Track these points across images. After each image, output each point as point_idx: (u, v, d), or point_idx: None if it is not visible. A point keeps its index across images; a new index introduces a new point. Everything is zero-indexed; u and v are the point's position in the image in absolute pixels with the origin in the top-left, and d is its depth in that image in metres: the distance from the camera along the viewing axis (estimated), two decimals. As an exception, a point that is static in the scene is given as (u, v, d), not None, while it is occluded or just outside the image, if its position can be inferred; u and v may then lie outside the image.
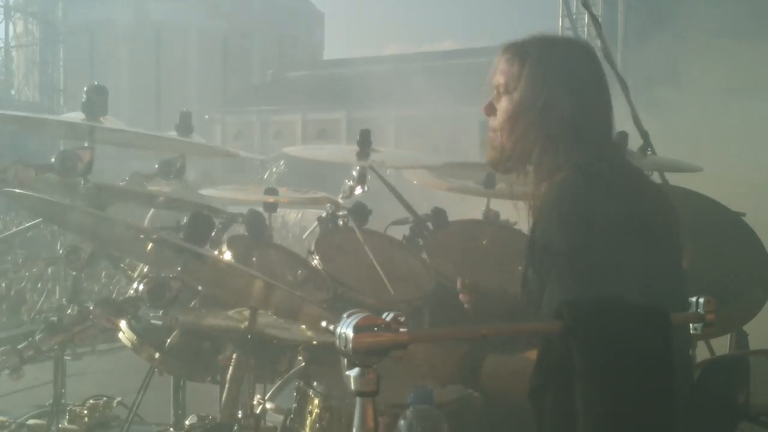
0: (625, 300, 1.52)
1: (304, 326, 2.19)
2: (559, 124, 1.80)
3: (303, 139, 35.56)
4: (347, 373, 1.20)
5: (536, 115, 1.82)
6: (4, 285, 9.95)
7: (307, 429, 2.14)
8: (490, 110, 1.92)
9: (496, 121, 1.91)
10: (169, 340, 2.36)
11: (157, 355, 2.42)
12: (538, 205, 1.80)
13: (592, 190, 1.71)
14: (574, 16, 13.39)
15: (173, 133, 2.94)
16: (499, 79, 1.90)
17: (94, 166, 2.20)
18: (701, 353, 1.90)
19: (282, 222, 14.82)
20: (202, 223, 2.35)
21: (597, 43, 3.61)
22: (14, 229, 4.24)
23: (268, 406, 2.75)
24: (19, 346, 2.11)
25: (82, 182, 2.27)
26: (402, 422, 1.42)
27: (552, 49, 1.86)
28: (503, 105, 1.89)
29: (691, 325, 1.44)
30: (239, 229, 2.95)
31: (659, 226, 1.74)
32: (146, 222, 3.23)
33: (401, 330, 1.19)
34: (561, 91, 1.80)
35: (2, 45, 32.98)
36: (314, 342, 2.20)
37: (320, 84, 35.00)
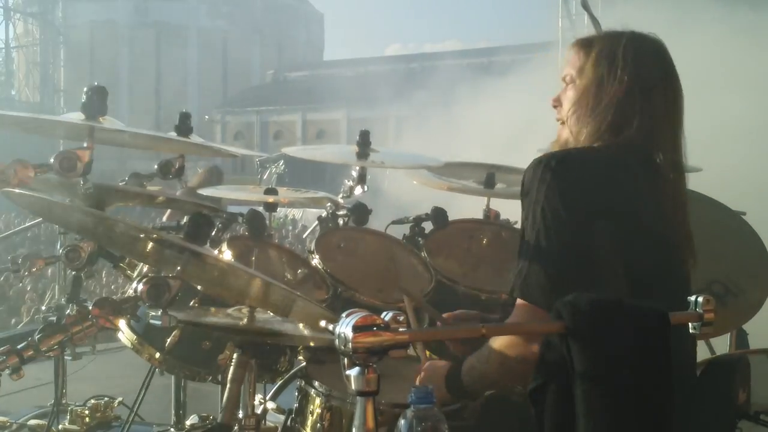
0: (625, 300, 1.52)
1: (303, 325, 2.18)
2: (609, 113, 1.82)
3: (303, 139, 35.58)
4: (347, 372, 1.20)
5: (599, 99, 1.83)
6: (3, 285, 9.98)
7: (309, 429, 2.14)
8: (557, 102, 1.96)
9: (562, 111, 1.94)
10: (168, 340, 2.36)
11: (157, 355, 2.42)
12: None
13: (562, 181, 1.73)
14: (574, 17, 13.38)
15: (173, 134, 2.94)
16: (567, 70, 1.93)
17: (93, 167, 2.20)
18: (701, 353, 1.90)
19: (289, 221, 14.90)
20: (202, 223, 2.35)
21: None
22: (14, 229, 4.24)
23: (270, 405, 2.76)
24: (18, 346, 2.11)
25: (82, 182, 2.27)
26: (402, 422, 1.41)
27: (617, 41, 1.87)
28: (569, 95, 1.92)
29: (690, 324, 1.44)
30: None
31: (638, 223, 1.74)
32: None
33: (400, 329, 1.19)
34: (617, 82, 1.81)
35: (2, 45, 33.02)
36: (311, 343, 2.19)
37: (320, 84, 35.00)
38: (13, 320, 8.77)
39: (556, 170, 1.71)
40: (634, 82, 1.81)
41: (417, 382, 1.93)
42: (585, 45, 1.91)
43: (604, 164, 1.77)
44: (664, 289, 1.70)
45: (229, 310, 2.14)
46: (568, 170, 1.73)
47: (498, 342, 1.77)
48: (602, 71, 1.83)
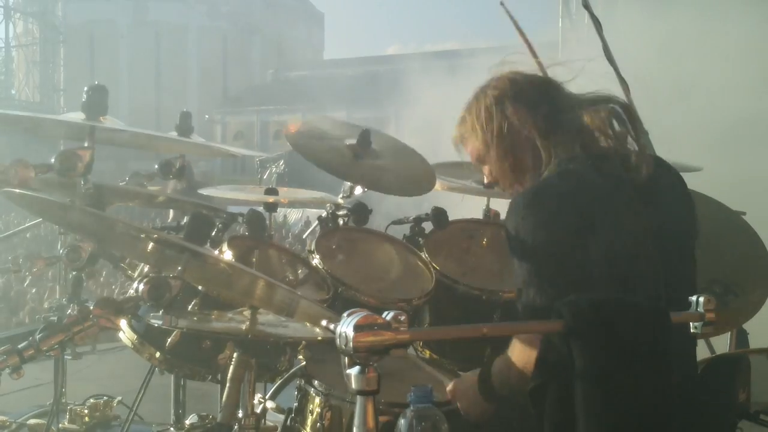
0: (625, 300, 1.52)
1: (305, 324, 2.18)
2: (504, 151, 1.90)
3: (303, 139, 35.48)
4: (347, 371, 1.20)
5: (493, 151, 1.92)
6: (3, 285, 9.98)
7: (308, 428, 2.14)
8: (485, 175, 2.03)
9: (491, 175, 1.99)
10: (169, 340, 2.36)
11: (157, 354, 2.42)
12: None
13: (531, 202, 1.74)
14: (574, 17, 13.36)
15: (173, 133, 2.94)
16: (467, 149, 2.01)
17: (94, 167, 2.20)
18: (701, 352, 1.90)
19: (283, 222, 14.88)
20: (203, 223, 2.35)
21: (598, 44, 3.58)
22: (14, 230, 4.25)
23: (269, 405, 2.76)
24: (19, 346, 2.11)
25: (82, 182, 2.27)
26: (402, 421, 1.42)
27: (477, 96, 1.95)
28: (484, 161, 1.98)
29: (691, 324, 1.44)
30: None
31: (634, 231, 1.71)
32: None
33: (401, 329, 1.19)
34: (498, 118, 1.88)
35: (2, 45, 33.01)
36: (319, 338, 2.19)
37: (320, 84, 34.96)
38: (14, 320, 8.76)
39: (529, 206, 1.72)
40: (508, 114, 1.86)
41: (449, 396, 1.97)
42: (459, 122, 1.99)
43: (576, 187, 1.75)
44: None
45: (230, 314, 2.15)
46: (542, 202, 1.73)
47: (516, 350, 1.77)
48: (480, 128, 1.90)
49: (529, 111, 1.86)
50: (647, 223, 1.73)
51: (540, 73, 2.05)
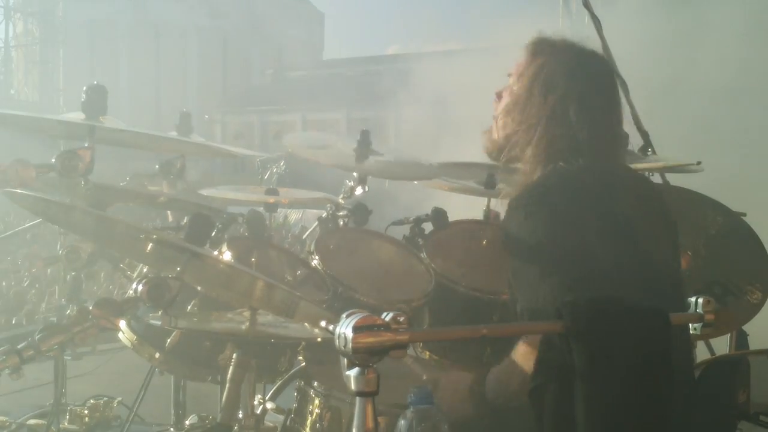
0: (625, 300, 1.52)
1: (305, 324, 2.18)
2: (546, 127, 1.81)
3: (303, 139, 35.51)
4: (347, 372, 1.20)
5: (524, 114, 1.83)
6: (4, 285, 9.97)
7: (308, 429, 2.14)
8: (499, 96, 1.94)
9: (497, 108, 1.92)
10: (169, 340, 2.36)
11: (157, 354, 2.42)
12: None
13: (555, 193, 1.71)
14: (574, 16, 13.35)
15: (173, 133, 2.94)
16: (512, 69, 1.91)
17: (94, 167, 2.20)
18: (701, 353, 1.90)
19: (283, 222, 14.81)
20: (203, 224, 2.35)
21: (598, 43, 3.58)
22: (14, 230, 4.25)
23: (269, 406, 2.76)
24: (18, 346, 2.11)
25: (83, 182, 2.27)
26: (402, 422, 1.42)
27: (561, 54, 1.85)
28: (505, 95, 1.90)
29: (690, 325, 1.44)
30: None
31: (630, 228, 1.71)
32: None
33: (401, 330, 1.19)
34: (553, 97, 1.80)
35: (2, 45, 33.01)
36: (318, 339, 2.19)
37: (320, 84, 34.98)
38: (14, 320, 8.75)
39: (534, 204, 1.69)
40: (570, 100, 1.79)
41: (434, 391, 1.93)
42: (530, 50, 1.88)
43: (580, 191, 1.73)
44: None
45: (230, 314, 2.15)
46: (547, 201, 1.70)
47: (520, 351, 1.75)
48: (538, 85, 1.81)
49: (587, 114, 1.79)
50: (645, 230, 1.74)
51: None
